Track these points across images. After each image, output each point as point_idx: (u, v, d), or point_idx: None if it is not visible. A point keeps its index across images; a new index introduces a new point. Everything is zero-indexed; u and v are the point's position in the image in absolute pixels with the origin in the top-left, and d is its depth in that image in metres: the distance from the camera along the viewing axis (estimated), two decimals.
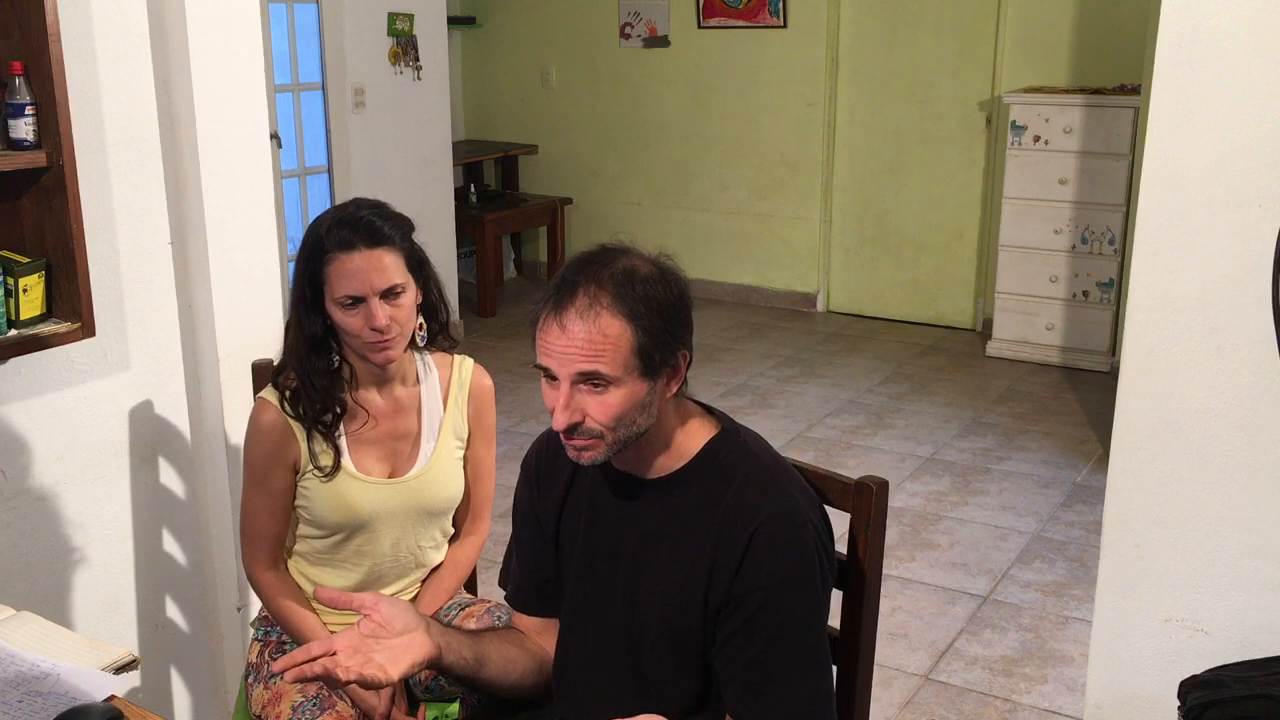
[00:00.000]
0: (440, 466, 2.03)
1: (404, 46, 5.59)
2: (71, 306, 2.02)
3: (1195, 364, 2.03)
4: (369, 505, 1.97)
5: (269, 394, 1.96)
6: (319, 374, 1.93)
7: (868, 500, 1.64)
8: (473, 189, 6.70)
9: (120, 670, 1.55)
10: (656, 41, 6.71)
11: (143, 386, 2.30)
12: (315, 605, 2.00)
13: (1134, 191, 4.83)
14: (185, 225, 2.30)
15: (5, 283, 1.95)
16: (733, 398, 5.19)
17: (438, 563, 2.11)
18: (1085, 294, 5.45)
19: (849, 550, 1.67)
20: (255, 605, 2.22)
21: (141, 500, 2.34)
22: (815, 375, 5.54)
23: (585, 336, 1.42)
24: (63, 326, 2.01)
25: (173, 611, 2.45)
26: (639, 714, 1.49)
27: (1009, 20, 5.77)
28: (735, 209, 6.74)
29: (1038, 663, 3.13)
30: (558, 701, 1.69)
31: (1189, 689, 2.00)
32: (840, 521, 1.59)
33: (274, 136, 5.05)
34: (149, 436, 2.33)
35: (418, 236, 1.94)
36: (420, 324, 1.96)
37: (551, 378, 1.46)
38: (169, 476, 2.39)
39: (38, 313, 2.00)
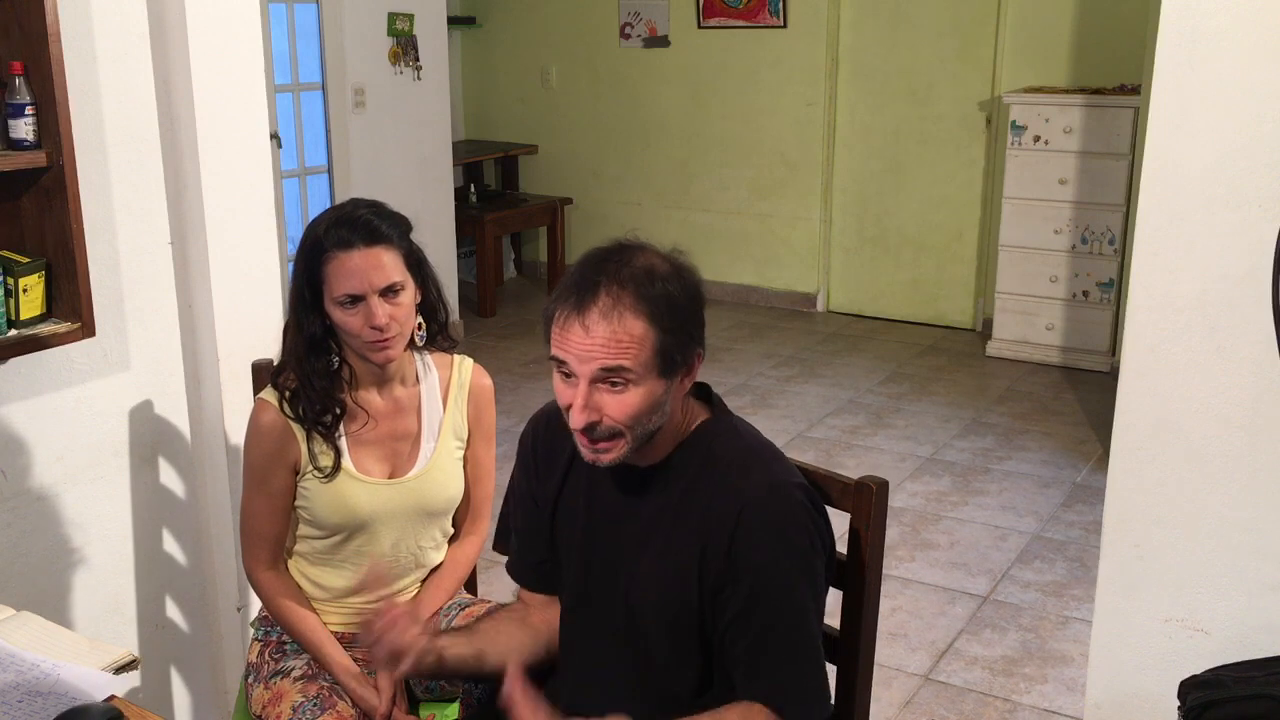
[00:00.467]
0: (440, 467, 2.03)
1: (404, 46, 5.59)
2: (71, 306, 2.02)
3: (1195, 364, 2.03)
4: (369, 506, 1.97)
5: (269, 395, 1.96)
6: (318, 375, 1.93)
7: (868, 500, 1.64)
8: (473, 189, 6.70)
9: (120, 670, 1.55)
10: (656, 41, 6.71)
11: (143, 386, 2.30)
12: (315, 605, 2.01)
13: (1134, 191, 4.83)
14: (185, 225, 2.30)
15: (5, 283, 1.95)
16: (733, 398, 5.19)
17: (438, 563, 2.11)
18: (1085, 294, 5.45)
19: (849, 550, 1.68)
20: (255, 605, 2.22)
21: (141, 500, 2.34)
22: (815, 375, 5.54)
23: (609, 336, 1.42)
24: (63, 326, 2.01)
25: (173, 611, 2.45)
26: (638, 698, 1.52)
27: (1009, 20, 5.77)
28: (735, 209, 6.73)
29: (1038, 663, 3.13)
30: (560, 683, 1.69)
31: (1189, 689, 2.00)
32: (840, 521, 1.59)
33: (274, 136, 5.05)
34: (149, 436, 2.33)
35: (417, 236, 1.94)
36: (419, 324, 1.96)
37: (567, 373, 1.47)
38: (169, 477, 2.39)
39: (38, 313, 2.00)
